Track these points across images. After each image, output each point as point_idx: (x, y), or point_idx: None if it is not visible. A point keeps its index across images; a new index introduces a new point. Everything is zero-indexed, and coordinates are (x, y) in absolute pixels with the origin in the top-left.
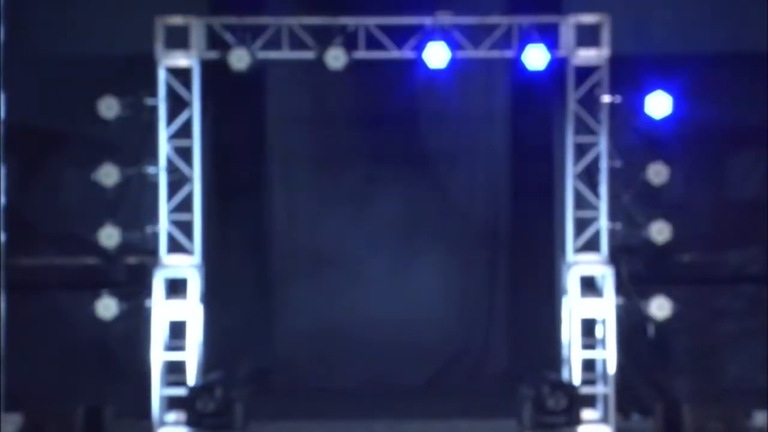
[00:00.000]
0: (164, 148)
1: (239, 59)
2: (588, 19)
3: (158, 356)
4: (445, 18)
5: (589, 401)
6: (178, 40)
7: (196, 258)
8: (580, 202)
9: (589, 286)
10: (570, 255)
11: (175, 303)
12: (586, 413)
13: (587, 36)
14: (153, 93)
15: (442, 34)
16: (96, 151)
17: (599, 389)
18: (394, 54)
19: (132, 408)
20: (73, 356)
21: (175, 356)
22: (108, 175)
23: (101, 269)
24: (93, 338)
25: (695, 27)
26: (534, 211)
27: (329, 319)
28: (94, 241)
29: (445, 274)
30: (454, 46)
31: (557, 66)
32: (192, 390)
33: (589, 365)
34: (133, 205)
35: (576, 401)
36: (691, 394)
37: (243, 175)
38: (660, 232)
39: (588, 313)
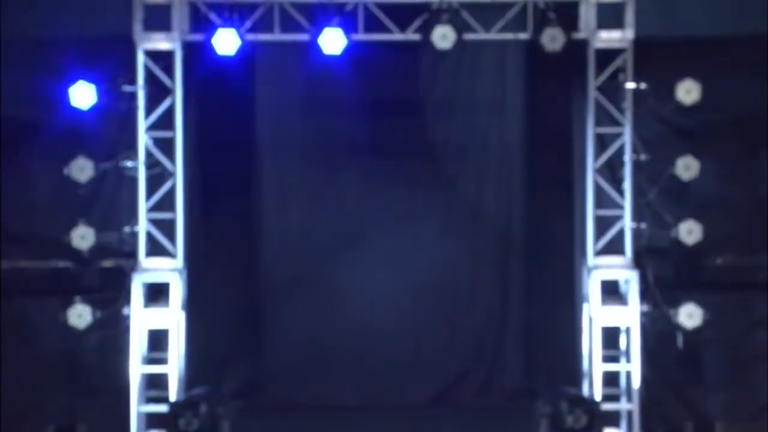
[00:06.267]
0: (143, 139)
1: (226, 42)
2: None
3: (136, 369)
4: None
5: (612, 419)
6: (158, 20)
7: (178, 261)
8: (602, 200)
9: (612, 292)
10: (590, 258)
11: (156, 311)
12: None
13: (609, 16)
14: (131, 79)
15: (450, 14)
16: (68, 143)
17: (623, 405)
18: (396, 36)
19: (107, 426)
20: (42, 369)
21: (155, 369)
22: (81, 169)
23: (74, 273)
24: (64, 349)
25: (727, 7)
26: (551, 210)
27: (324, 329)
28: (66, 243)
29: (452, 279)
30: (463, 27)
31: (576, 49)
32: (174, 406)
33: (611, 379)
34: (109, 203)
35: (597, 419)
36: (725, 412)
37: (230, 170)
38: (690, 232)
39: (610, 321)
